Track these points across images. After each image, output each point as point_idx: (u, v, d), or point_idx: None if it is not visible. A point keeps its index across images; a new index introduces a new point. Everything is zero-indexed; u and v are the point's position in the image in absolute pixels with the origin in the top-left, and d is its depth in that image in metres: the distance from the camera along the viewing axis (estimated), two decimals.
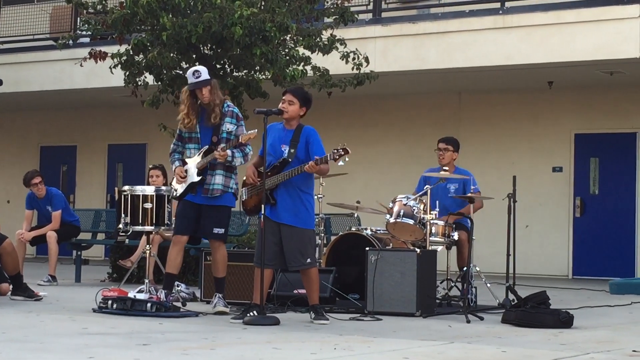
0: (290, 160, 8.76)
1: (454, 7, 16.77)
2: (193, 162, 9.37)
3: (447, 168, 10.70)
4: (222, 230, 9.36)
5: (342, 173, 12.53)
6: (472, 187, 10.59)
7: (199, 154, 9.36)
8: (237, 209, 9.85)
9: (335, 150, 8.56)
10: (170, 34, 13.17)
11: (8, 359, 6.00)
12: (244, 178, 9.05)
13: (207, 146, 9.35)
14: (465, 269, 10.19)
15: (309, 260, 8.80)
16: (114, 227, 13.34)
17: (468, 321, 8.95)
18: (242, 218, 12.97)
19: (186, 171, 9.39)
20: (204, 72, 9.36)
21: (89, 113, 21.67)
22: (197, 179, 9.33)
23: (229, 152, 9.19)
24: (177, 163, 9.49)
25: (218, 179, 9.32)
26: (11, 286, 10.62)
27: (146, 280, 9.62)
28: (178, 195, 9.44)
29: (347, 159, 8.57)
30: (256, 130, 8.97)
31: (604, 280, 14.95)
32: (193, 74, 9.36)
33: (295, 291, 9.89)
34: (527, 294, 9.49)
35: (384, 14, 17.10)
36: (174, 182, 9.59)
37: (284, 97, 8.93)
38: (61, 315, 8.94)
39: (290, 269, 9.01)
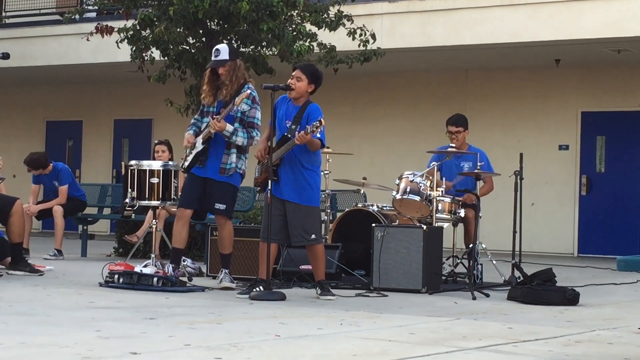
0: (289, 136, 8.72)
1: None
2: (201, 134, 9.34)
3: (453, 145, 10.65)
4: (223, 206, 9.26)
5: (348, 153, 12.54)
6: (479, 162, 10.50)
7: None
8: (245, 184, 9.82)
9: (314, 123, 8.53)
10: (177, 9, 13.14)
11: (15, 332, 6.01)
12: (255, 154, 9.02)
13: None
14: (471, 245, 10.18)
15: (313, 236, 8.78)
16: (120, 202, 13.33)
17: (474, 298, 8.96)
18: (248, 194, 12.98)
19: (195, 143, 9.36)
20: (224, 51, 9.25)
21: (95, 88, 21.66)
22: (201, 147, 9.26)
23: (230, 126, 9.11)
24: (190, 131, 9.40)
25: (233, 158, 9.24)
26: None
27: (152, 255, 9.64)
28: (186, 167, 9.39)
29: (322, 129, 8.53)
30: (249, 92, 8.96)
31: (610, 258, 14.95)
32: (214, 52, 9.32)
33: (301, 267, 9.90)
34: (533, 272, 9.50)
35: None
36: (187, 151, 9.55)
37: (293, 73, 8.89)
38: (68, 289, 8.95)
39: (293, 244, 9.01)
